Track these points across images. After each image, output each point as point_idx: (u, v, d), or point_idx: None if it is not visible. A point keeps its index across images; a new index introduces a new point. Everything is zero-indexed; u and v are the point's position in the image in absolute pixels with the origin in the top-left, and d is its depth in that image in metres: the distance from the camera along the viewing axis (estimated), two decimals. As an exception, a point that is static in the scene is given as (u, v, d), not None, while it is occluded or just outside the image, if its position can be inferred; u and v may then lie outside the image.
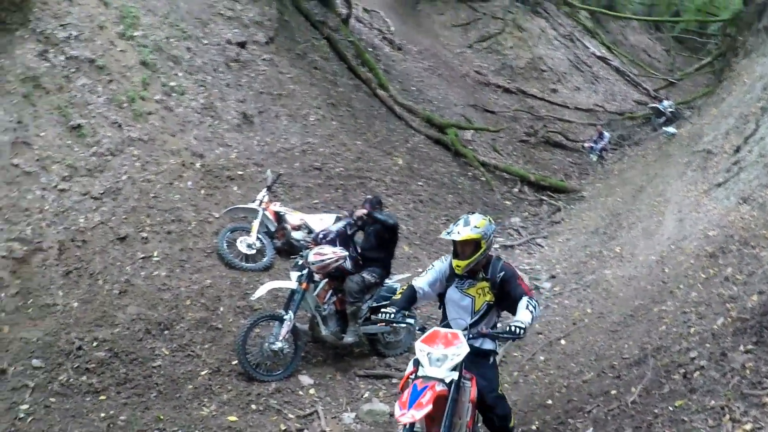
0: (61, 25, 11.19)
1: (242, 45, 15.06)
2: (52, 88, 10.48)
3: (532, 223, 16.76)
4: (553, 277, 12.45)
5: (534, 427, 6.63)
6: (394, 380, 8.52)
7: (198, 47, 13.82)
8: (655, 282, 9.74)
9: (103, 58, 11.48)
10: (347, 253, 8.90)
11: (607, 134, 23.81)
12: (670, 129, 21.48)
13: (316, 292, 8.65)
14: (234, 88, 13.88)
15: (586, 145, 24.00)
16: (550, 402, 7.27)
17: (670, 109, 25.06)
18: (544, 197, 18.77)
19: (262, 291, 8.39)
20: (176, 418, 7.17)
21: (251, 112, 13.71)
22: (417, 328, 5.76)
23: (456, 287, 5.74)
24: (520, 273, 5.79)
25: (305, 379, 8.40)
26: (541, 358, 8.94)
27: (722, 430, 4.35)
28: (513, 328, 5.09)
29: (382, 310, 5.73)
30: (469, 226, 5.53)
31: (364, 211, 8.91)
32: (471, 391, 5.25)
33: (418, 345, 5.19)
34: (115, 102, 11.14)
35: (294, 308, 8.29)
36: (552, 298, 11.36)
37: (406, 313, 5.72)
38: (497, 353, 5.81)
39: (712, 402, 4.83)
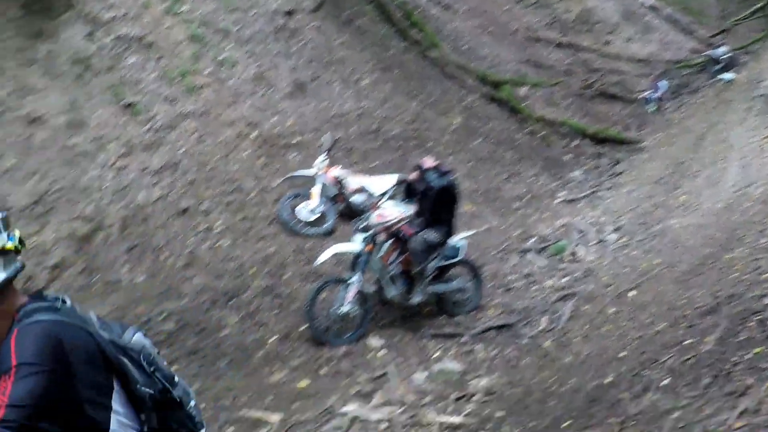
0: (107, 6, 11.13)
1: (290, 13, 14.85)
2: (102, 69, 10.43)
3: (593, 176, 16.40)
4: (618, 228, 12.12)
5: (609, 380, 6.40)
6: (464, 339, 8.39)
7: (245, 18, 13.65)
8: (723, 230, 9.40)
9: (151, 35, 11.40)
10: (410, 213, 8.74)
11: (663, 83, 23.16)
12: (727, 75, 20.92)
13: (380, 254, 8.50)
14: (284, 57, 13.72)
15: (642, 95, 23.44)
16: (623, 354, 7.00)
17: (726, 56, 24.34)
18: (603, 150, 18.38)
19: (326, 255, 8.29)
20: (248, 386, 7.14)
21: (304, 79, 13.54)
22: None
23: None
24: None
25: (375, 341, 8.29)
26: (612, 310, 8.65)
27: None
28: None
29: None
30: None
31: (415, 175, 8.74)
32: None
33: None
34: (166, 78, 11.08)
35: (359, 271, 8.19)
36: (619, 250, 11.05)
37: None
38: None
39: (796, 346, 4.56)
